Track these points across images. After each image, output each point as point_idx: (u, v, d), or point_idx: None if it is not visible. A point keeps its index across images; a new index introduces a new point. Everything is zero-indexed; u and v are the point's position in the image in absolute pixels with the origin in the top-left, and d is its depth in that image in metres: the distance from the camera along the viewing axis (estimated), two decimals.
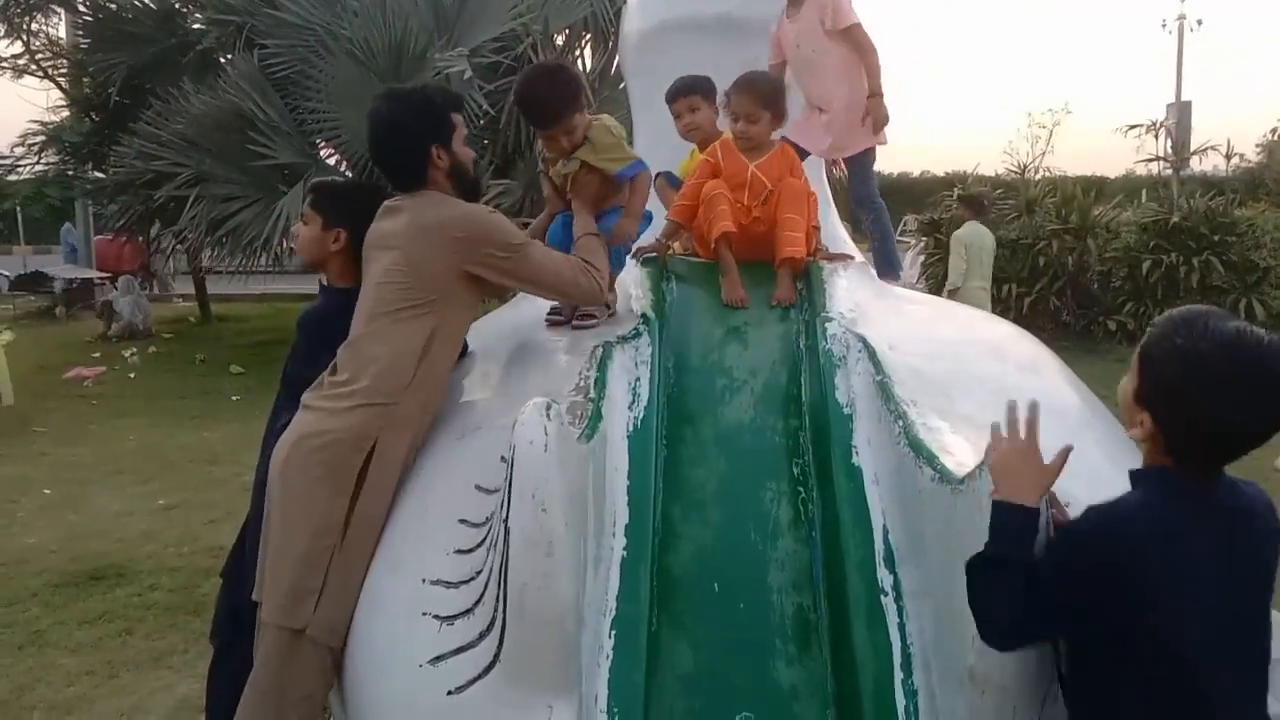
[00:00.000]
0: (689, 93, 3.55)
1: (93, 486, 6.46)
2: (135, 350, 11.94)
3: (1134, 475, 1.62)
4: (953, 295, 8.06)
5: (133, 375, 10.78)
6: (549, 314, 2.98)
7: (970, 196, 9.78)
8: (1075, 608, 1.54)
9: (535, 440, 1.77)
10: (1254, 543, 1.55)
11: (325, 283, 2.97)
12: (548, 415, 1.78)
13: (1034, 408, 1.66)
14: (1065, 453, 1.63)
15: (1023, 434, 1.67)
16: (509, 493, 1.78)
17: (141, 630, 4.21)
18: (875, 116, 3.70)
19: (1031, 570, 1.56)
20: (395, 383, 2.44)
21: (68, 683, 3.77)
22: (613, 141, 2.93)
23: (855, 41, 3.68)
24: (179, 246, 12.46)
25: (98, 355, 11.75)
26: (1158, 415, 1.52)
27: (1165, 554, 1.47)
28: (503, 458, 1.99)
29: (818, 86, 3.76)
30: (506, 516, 1.78)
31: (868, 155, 3.84)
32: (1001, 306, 10.60)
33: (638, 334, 2.84)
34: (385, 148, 2.70)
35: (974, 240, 8.65)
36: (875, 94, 3.69)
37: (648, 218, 3.11)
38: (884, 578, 2.27)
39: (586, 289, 2.74)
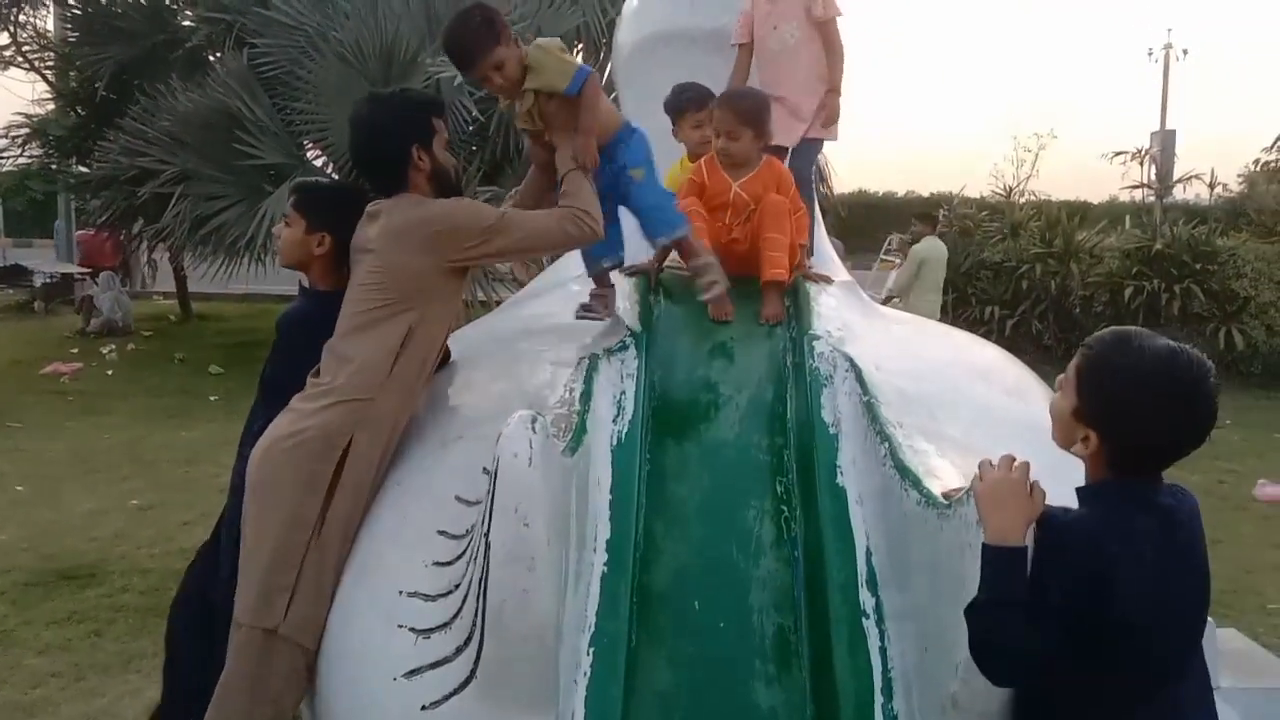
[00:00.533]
0: (706, 106, 3.46)
1: (67, 484, 6.38)
2: (114, 347, 11.83)
3: (1082, 492, 1.68)
4: (889, 302, 8.40)
5: (110, 372, 10.67)
6: (579, 311, 2.97)
7: (926, 213, 10.00)
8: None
9: (520, 453, 1.75)
10: (1192, 532, 1.64)
11: (305, 284, 2.94)
12: (533, 428, 1.76)
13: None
14: (1044, 493, 1.67)
15: (1013, 468, 1.67)
16: (491, 506, 1.75)
17: (111, 632, 4.14)
18: (831, 110, 3.70)
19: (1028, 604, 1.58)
20: (370, 379, 2.44)
21: (33, 684, 3.70)
22: (552, 60, 2.82)
23: (830, 35, 3.67)
24: (161, 244, 12.35)
25: (76, 351, 11.63)
26: (1103, 432, 1.62)
27: (1123, 554, 1.56)
28: (485, 469, 1.96)
29: (787, 74, 3.69)
30: (488, 530, 1.75)
31: (816, 145, 3.83)
32: (984, 329, 10.63)
33: (624, 347, 2.82)
34: (366, 150, 2.74)
35: (931, 255, 9.08)
36: (836, 90, 3.68)
37: (670, 196, 3.12)
38: (866, 600, 2.26)
39: (577, 235, 2.74)
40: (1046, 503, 1.66)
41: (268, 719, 2.29)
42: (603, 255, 3.01)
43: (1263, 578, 5.03)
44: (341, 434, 2.38)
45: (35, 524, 5.54)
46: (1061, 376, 1.73)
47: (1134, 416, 1.59)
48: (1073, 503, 1.69)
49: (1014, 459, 1.68)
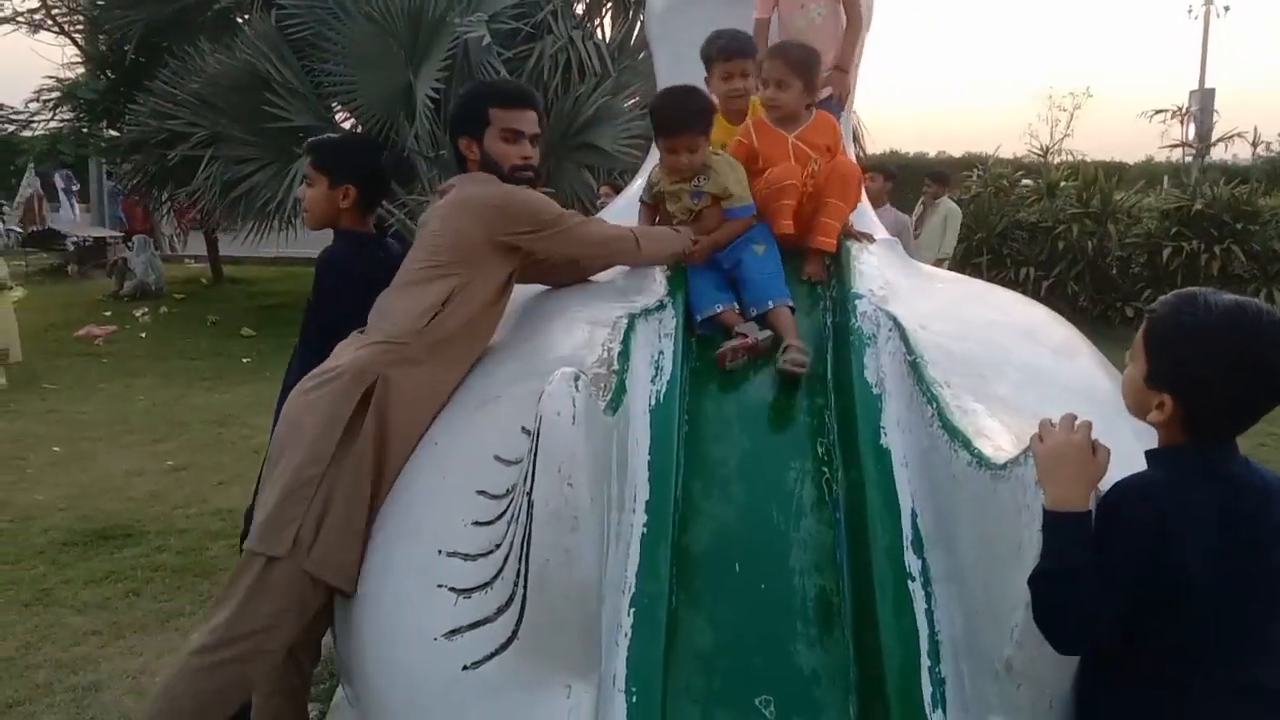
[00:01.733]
0: (741, 56, 3.28)
1: (102, 445, 6.44)
2: (147, 310, 11.91)
3: (1150, 455, 1.65)
4: (940, 264, 8.14)
5: (144, 335, 10.75)
6: (729, 354, 2.71)
7: (940, 173, 9.79)
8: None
9: (563, 411, 1.71)
10: (1269, 514, 1.57)
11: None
12: (576, 386, 1.71)
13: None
14: (1108, 452, 1.62)
15: (1075, 428, 1.61)
16: (533, 465, 1.71)
17: (149, 591, 4.17)
18: (840, 91, 3.61)
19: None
20: (405, 326, 2.48)
21: (74, 641, 3.74)
22: (735, 175, 2.95)
23: (855, 10, 3.57)
24: (192, 208, 12.38)
25: (109, 314, 11.73)
26: (1177, 394, 1.58)
27: (1182, 519, 1.52)
28: (525, 429, 1.93)
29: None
30: (530, 489, 1.72)
31: None
32: (1019, 290, 10.45)
33: (662, 306, 2.77)
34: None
35: (952, 213, 8.84)
36: (844, 68, 3.61)
37: (780, 273, 3.00)
38: (912, 562, 2.21)
39: (616, 251, 2.83)
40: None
41: (246, 642, 2.25)
42: (716, 302, 2.85)
43: None
44: (369, 371, 2.39)
45: (72, 485, 5.59)
46: (1131, 349, 1.69)
47: (1207, 375, 1.55)
48: (1126, 468, 1.64)
49: (1075, 418, 1.62)
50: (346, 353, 2.48)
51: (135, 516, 5.05)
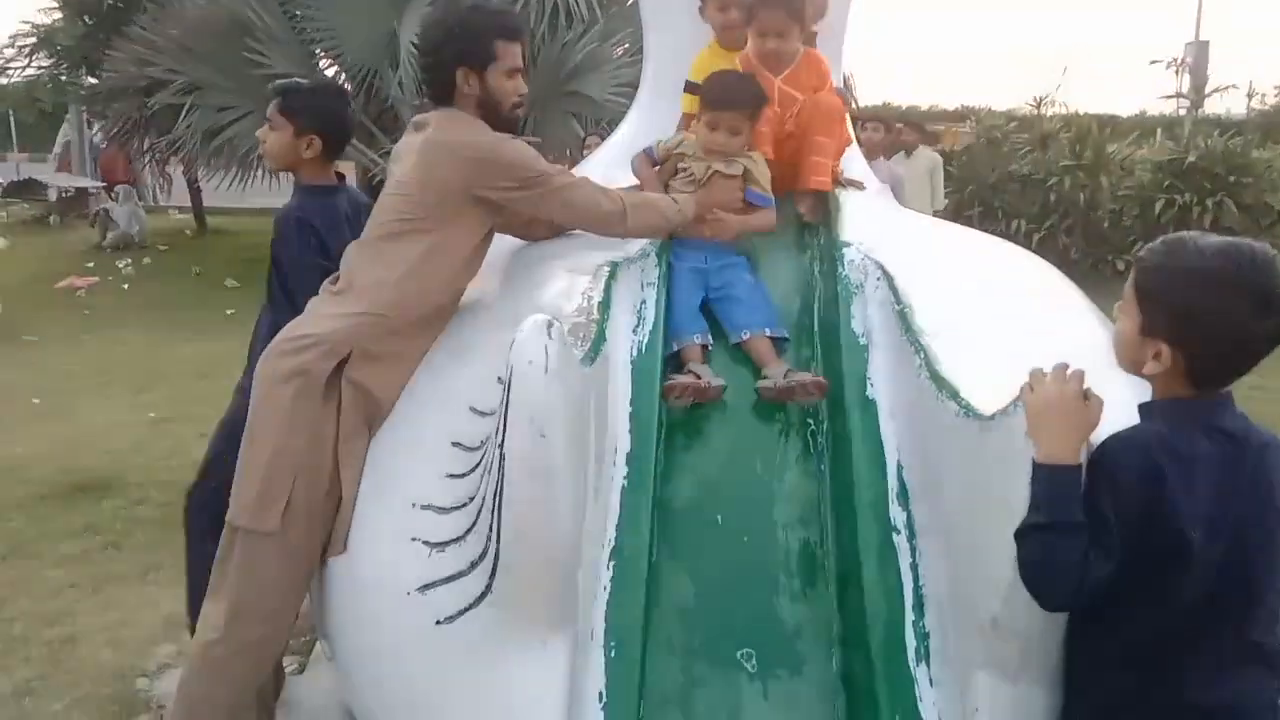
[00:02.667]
0: None
1: (83, 397, 6.36)
2: (130, 261, 11.77)
3: (1144, 408, 1.60)
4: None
5: (126, 286, 10.63)
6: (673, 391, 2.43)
7: (918, 123, 9.61)
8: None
9: (535, 360, 1.64)
10: (1264, 470, 1.53)
11: (299, 183, 2.87)
12: (549, 333, 1.65)
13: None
14: (1101, 403, 1.57)
15: (1067, 377, 1.55)
16: (505, 416, 1.66)
17: (129, 544, 4.13)
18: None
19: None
20: (384, 298, 2.36)
21: (52, 594, 3.69)
22: (765, 170, 2.86)
23: None
24: (174, 157, 12.18)
25: (91, 265, 11.58)
26: (1174, 341, 1.52)
27: (1179, 473, 1.48)
28: (500, 379, 1.87)
29: None
30: (502, 441, 1.66)
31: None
32: (1010, 243, 10.40)
33: (645, 254, 2.69)
34: (420, 56, 2.67)
35: (936, 164, 8.68)
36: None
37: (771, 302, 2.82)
38: (897, 515, 2.17)
39: (611, 223, 2.60)
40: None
41: (264, 624, 2.25)
42: (690, 332, 2.60)
43: None
44: (344, 344, 2.30)
45: (52, 437, 5.53)
46: (1119, 304, 1.63)
47: (1202, 316, 1.50)
48: (1120, 421, 1.59)
49: (1068, 368, 1.57)
50: (324, 318, 2.37)
51: (116, 469, 4.99)
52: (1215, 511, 1.48)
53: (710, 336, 2.58)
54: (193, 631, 2.82)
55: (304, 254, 2.63)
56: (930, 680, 1.88)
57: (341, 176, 2.96)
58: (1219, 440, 1.52)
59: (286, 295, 2.60)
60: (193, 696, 2.29)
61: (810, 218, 3.01)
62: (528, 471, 1.65)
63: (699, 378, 2.43)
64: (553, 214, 2.59)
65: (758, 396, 2.48)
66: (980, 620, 1.70)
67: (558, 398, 1.65)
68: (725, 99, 2.74)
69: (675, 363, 2.52)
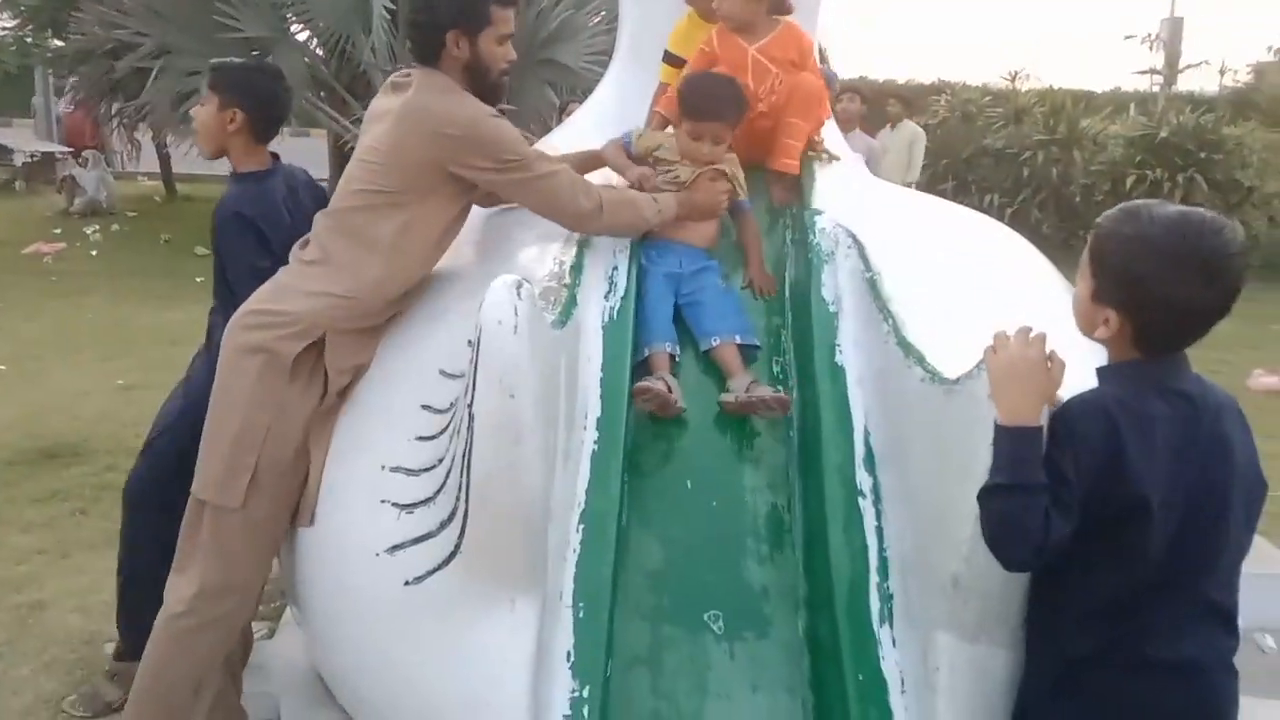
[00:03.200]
0: None
1: (50, 364, 6.29)
2: (98, 228, 11.61)
3: (1101, 372, 1.62)
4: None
5: (94, 253, 10.48)
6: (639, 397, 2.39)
7: (904, 96, 9.61)
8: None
9: (504, 320, 1.64)
10: (1220, 431, 1.57)
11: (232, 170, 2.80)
12: (518, 294, 1.65)
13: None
14: (1063, 366, 1.59)
15: (1029, 341, 1.57)
16: (474, 376, 1.66)
17: (96, 510, 4.10)
18: None
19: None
20: (362, 277, 2.31)
21: (19, 560, 3.67)
22: (742, 175, 2.80)
23: None
24: (141, 122, 12.00)
25: (59, 231, 11.41)
26: (1121, 308, 1.55)
27: (1137, 434, 1.50)
28: (470, 342, 1.86)
29: None
30: (471, 401, 1.66)
31: None
32: None
33: None
34: (411, 13, 2.53)
35: (918, 137, 8.70)
36: None
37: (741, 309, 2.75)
38: (863, 480, 2.20)
39: (584, 218, 2.48)
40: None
41: (231, 597, 2.25)
42: (661, 339, 2.52)
43: None
44: (316, 326, 2.26)
45: (18, 403, 5.47)
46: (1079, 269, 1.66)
47: (1149, 285, 1.52)
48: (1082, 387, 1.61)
49: (1030, 330, 1.59)
50: (297, 294, 2.30)
51: (84, 435, 4.95)
52: (1172, 472, 1.51)
53: (679, 346, 2.52)
54: (120, 597, 2.83)
55: (244, 255, 2.57)
56: (893, 641, 1.91)
57: (276, 157, 2.86)
58: (1175, 402, 1.54)
59: (234, 295, 2.54)
60: (158, 668, 2.28)
61: (780, 202, 3.02)
62: (496, 430, 1.65)
63: (669, 389, 2.37)
64: (526, 201, 2.49)
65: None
66: (941, 580, 1.72)
67: (526, 357, 1.65)
68: (709, 111, 2.67)
69: (643, 369, 2.45)
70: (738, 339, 2.55)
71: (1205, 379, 1.62)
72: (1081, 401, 1.56)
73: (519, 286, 1.65)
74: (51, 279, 9.09)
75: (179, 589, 2.25)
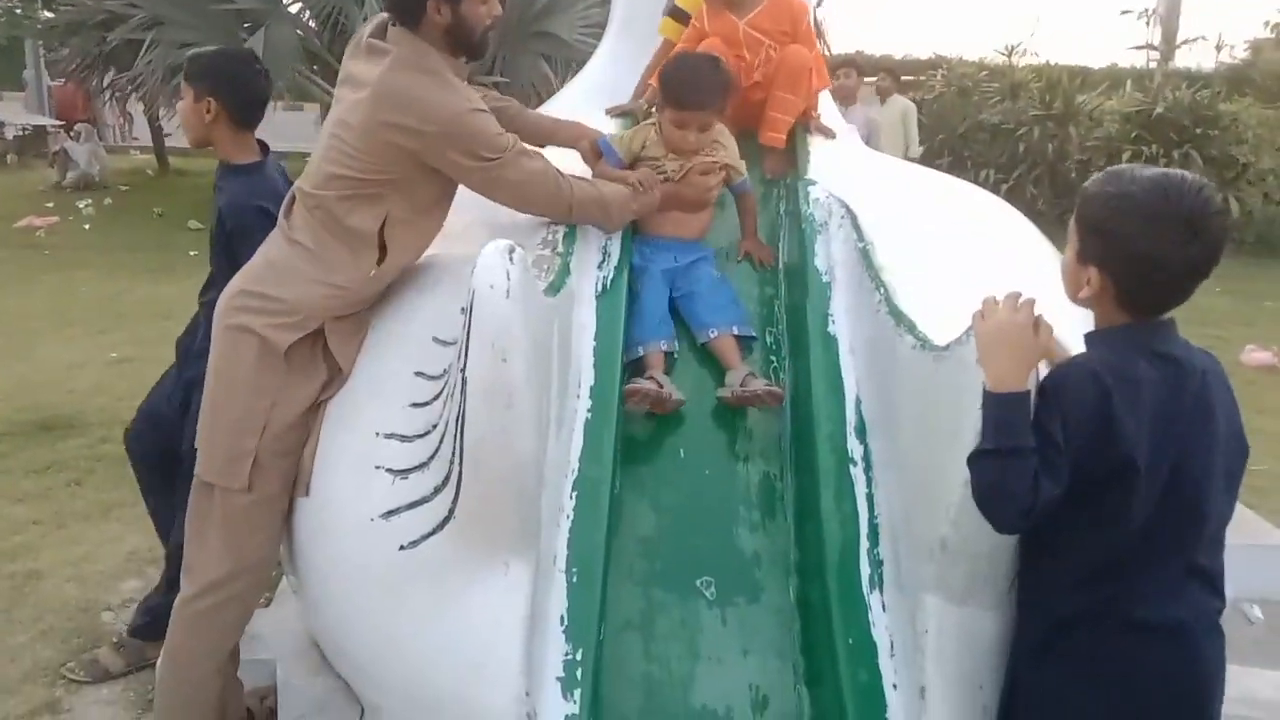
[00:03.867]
0: None
1: (44, 337, 6.28)
2: (90, 201, 11.54)
3: (1089, 337, 1.64)
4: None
5: (87, 227, 10.44)
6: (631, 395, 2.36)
7: (893, 70, 9.54)
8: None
9: (496, 285, 1.64)
10: (1207, 386, 1.59)
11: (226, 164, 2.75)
12: (510, 259, 1.65)
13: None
14: (1050, 329, 1.61)
15: (1017, 306, 1.58)
16: (467, 341, 1.66)
17: (91, 482, 4.11)
18: None
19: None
20: (351, 269, 2.23)
21: (14, 531, 3.68)
22: (735, 148, 2.72)
23: None
24: (134, 94, 11.92)
25: (51, 205, 11.35)
26: (1102, 265, 1.57)
27: (1125, 397, 1.51)
28: (462, 309, 1.87)
29: None
30: (464, 365, 1.67)
31: None
32: None
33: None
34: None
35: (909, 110, 8.64)
36: None
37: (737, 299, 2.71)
38: (854, 448, 2.21)
39: (558, 208, 2.42)
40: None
41: (246, 577, 2.24)
42: (656, 336, 2.50)
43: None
44: (316, 319, 2.21)
45: (12, 376, 5.46)
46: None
47: (1129, 241, 1.54)
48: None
49: (1019, 296, 1.59)
50: (292, 280, 2.23)
51: (78, 408, 4.95)
52: (1159, 434, 1.52)
53: (676, 342, 2.51)
54: (168, 560, 2.85)
55: (256, 239, 2.44)
56: (883, 605, 1.93)
57: (265, 146, 2.79)
58: (1161, 365, 1.55)
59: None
60: (180, 653, 2.26)
61: (772, 174, 3.02)
62: (489, 394, 1.66)
63: (660, 386, 2.34)
64: (498, 197, 2.39)
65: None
66: (930, 544, 1.74)
67: (518, 321, 1.65)
68: (694, 99, 2.56)
69: (637, 366, 2.44)
70: (735, 330, 2.53)
71: (1191, 343, 1.63)
72: (1071, 366, 1.58)
73: (511, 251, 1.65)
74: (44, 253, 9.06)
75: (192, 572, 2.24)
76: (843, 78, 6.93)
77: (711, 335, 2.51)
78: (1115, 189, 1.58)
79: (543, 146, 2.59)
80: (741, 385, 2.38)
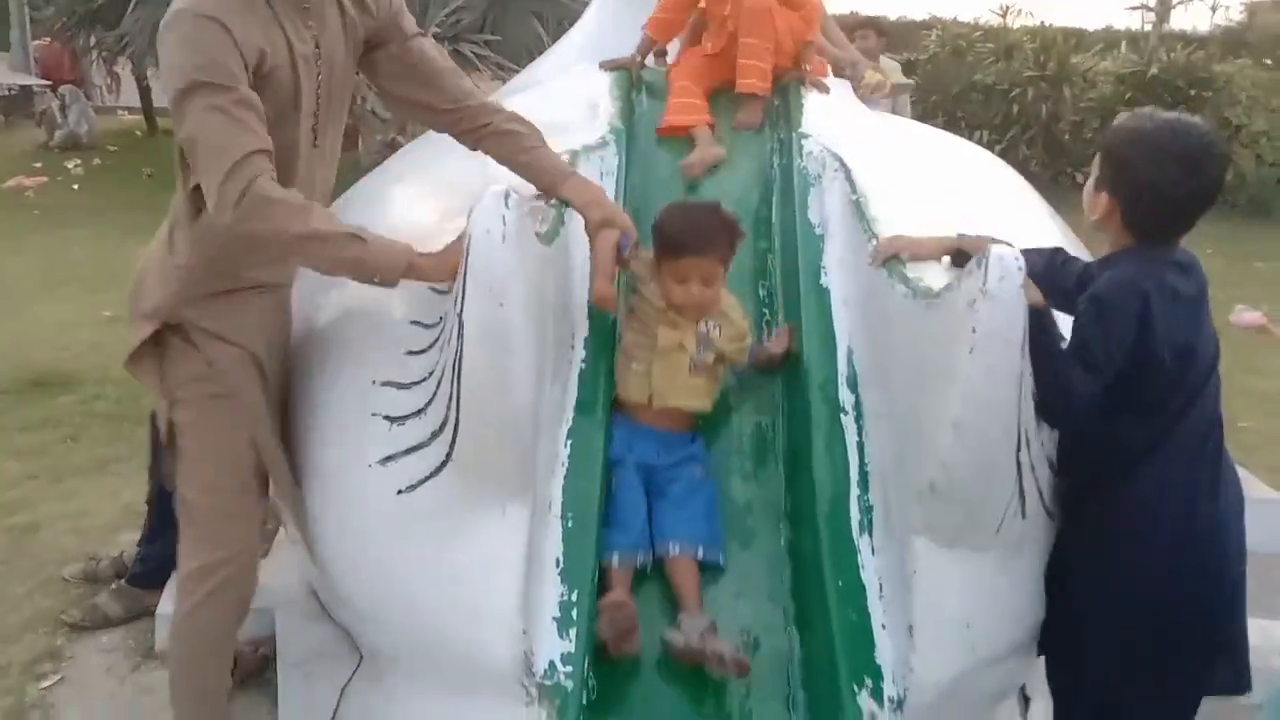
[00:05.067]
0: None
1: (36, 296, 6.27)
2: (79, 162, 11.47)
3: (1106, 260, 1.85)
4: None
5: (77, 187, 10.38)
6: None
7: (881, 28, 9.38)
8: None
9: (492, 229, 1.65)
10: (1206, 290, 1.84)
11: None
12: (506, 204, 1.66)
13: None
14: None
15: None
16: (464, 285, 1.67)
17: (87, 437, 4.13)
18: None
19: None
20: (205, 247, 2.04)
21: (10, 485, 3.70)
22: (744, 327, 2.35)
23: None
24: (120, 55, 11.80)
25: (39, 165, 11.28)
26: (1113, 190, 1.80)
27: (1160, 306, 1.72)
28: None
29: None
30: (460, 310, 1.68)
31: None
32: None
33: (604, 144, 2.70)
34: None
35: (894, 71, 8.51)
36: None
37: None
38: (845, 398, 2.23)
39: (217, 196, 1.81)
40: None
41: (239, 559, 2.13)
42: (633, 546, 2.09)
43: (1235, 400, 5.08)
44: (173, 314, 2.08)
45: (5, 335, 5.46)
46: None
47: (1139, 170, 1.76)
48: None
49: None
50: (155, 283, 2.14)
51: (72, 365, 4.96)
52: (1183, 338, 1.74)
53: (651, 555, 2.09)
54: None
55: None
56: (872, 549, 1.96)
57: None
58: (1181, 274, 1.78)
59: None
60: (184, 646, 2.16)
61: (743, 125, 3.01)
62: (485, 338, 1.67)
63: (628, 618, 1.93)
64: (184, 146, 1.90)
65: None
66: (919, 487, 1.77)
67: (515, 266, 1.66)
68: (694, 243, 2.19)
69: (602, 577, 2.01)
70: (699, 554, 2.09)
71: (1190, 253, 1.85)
72: (1115, 278, 1.75)
73: (507, 195, 1.66)
74: (34, 213, 9.01)
75: (180, 565, 2.15)
76: (860, 40, 6.85)
77: (672, 551, 2.08)
78: (1133, 125, 1.84)
79: (545, 192, 2.29)
80: (700, 640, 1.90)
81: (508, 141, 2.26)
